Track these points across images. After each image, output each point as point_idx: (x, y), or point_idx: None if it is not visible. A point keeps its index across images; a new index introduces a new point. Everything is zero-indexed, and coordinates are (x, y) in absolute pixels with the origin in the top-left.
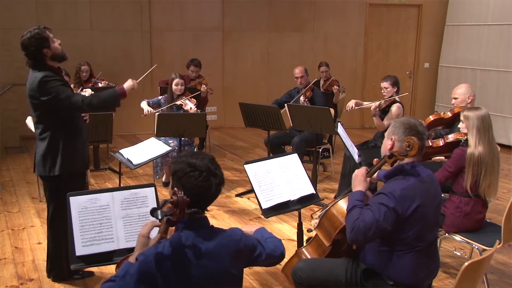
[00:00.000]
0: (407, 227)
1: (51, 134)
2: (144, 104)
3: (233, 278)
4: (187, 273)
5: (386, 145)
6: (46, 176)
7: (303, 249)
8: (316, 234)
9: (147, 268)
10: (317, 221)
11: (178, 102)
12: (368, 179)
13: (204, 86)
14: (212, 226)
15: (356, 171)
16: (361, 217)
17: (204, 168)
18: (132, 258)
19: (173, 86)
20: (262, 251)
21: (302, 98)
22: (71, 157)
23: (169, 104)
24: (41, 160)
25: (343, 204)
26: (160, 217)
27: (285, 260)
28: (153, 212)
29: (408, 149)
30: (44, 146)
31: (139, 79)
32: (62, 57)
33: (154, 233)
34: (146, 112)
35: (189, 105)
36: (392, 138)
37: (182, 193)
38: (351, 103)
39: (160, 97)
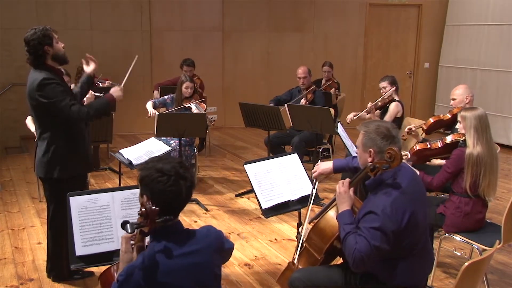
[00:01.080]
0: (402, 237)
1: (50, 136)
2: (149, 106)
3: (216, 277)
4: (167, 282)
5: (365, 159)
6: (45, 178)
7: (295, 261)
8: (306, 247)
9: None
10: (307, 226)
11: (188, 105)
12: (351, 189)
13: (196, 85)
14: (187, 229)
15: (338, 188)
16: (357, 247)
17: (173, 172)
18: (116, 274)
19: (183, 89)
20: (228, 246)
21: (303, 101)
22: (71, 160)
23: (179, 107)
24: (41, 161)
25: (332, 215)
26: (130, 231)
27: (279, 271)
28: (123, 225)
29: (390, 160)
30: (43, 148)
31: (123, 83)
32: (63, 59)
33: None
34: (150, 114)
35: (198, 111)
36: (370, 152)
37: (150, 203)
38: (350, 115)
39: (166, 97)
